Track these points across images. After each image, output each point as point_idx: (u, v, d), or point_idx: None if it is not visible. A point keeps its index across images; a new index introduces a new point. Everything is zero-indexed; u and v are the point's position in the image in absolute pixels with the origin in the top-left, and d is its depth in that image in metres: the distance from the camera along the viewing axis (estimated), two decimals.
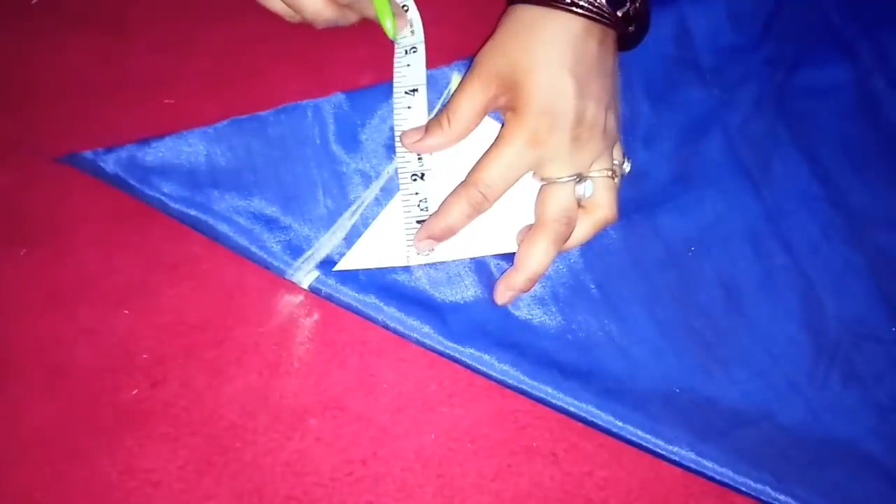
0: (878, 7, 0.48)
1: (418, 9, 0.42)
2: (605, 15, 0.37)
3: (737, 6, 0.47)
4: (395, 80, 0.41)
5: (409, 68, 0.41)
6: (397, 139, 0.40)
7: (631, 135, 0.43)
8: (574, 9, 0.36)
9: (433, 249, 0.38)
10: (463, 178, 0.37)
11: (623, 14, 0.37)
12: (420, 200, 0.39)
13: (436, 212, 0.38)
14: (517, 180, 0.37)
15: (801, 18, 0.48)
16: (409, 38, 0.42)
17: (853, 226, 0.43)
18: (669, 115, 0.44)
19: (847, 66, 0.47)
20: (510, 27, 0.38)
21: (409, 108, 0.40)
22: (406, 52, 0.42)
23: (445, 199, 0.37)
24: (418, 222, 0.38)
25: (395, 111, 0.40)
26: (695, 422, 0.37)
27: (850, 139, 0.45)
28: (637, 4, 0.37)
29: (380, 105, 0.41)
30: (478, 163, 0.37)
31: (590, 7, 0.36)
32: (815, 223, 0.43)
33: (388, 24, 0.40)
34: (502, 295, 0.38)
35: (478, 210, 0.37)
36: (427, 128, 0.38)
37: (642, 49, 0.41)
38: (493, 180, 0.36)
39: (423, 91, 0.41)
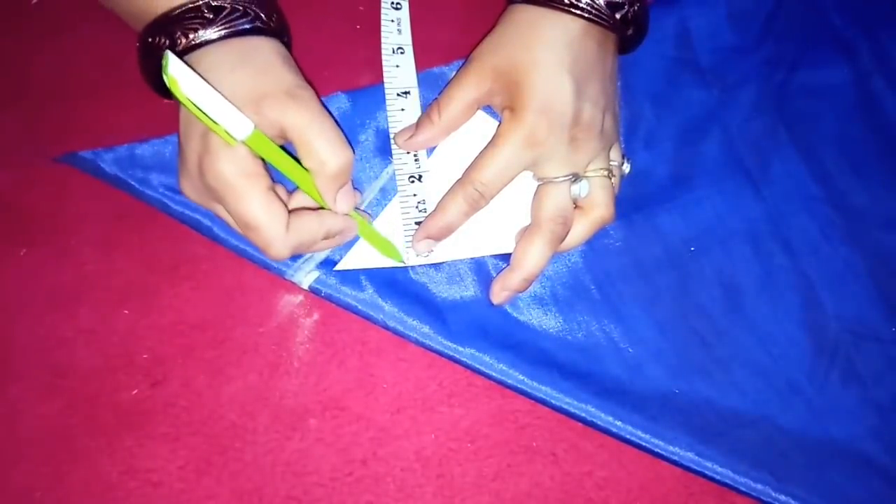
0: (878, 7, 0.48)
1: (412, 9, 0.42)
2: (604, 17, 0.37)
3: (736, 7, 0.47)
4: (385, 80, 0.41)
5: (399, 69, 0.41)
6: (392, 142, 0.40)
7: (631, 135, 0.43)
8: (573, 10, 0.36)
9: (432, 251, 0.38)
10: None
11: (621, 16, 0.37)
12: (418, 202, 0.39)
13: (433, 211, 0.38)
14: (513, 179, 0.37)
15: (800, 19, 0.48)
16: (396, 36, 0.42)
17: (852, 226, 0.43)
18: (669, 116, 0.44)
19: (847, 66, 0.47)
20: (509, 26, 0.38)
21: (402, 110, 0.40)
22: (393, 52, 0.41)
23: (442, 198, 0.37)
24: (417, 224, 0.38)
25: (389, 114, 0.40)
26: (694, 422, 0.37)
27: (849, 139, 0.45)
28: (636, 7, 0.37)
29: (380, 105, 0.41)
30: (475, 161, 0.37)
31: (589, 9, 0.36)
32: (815, 223, 0.43)
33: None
34: (498, 295, 0.38)
35: (474, 207, 0.37)
36: (417, 124, 0.38)
37: (643, 50, 0.41)
38: (489, 179, 0.36)
39: (415, 94, 0.40)
